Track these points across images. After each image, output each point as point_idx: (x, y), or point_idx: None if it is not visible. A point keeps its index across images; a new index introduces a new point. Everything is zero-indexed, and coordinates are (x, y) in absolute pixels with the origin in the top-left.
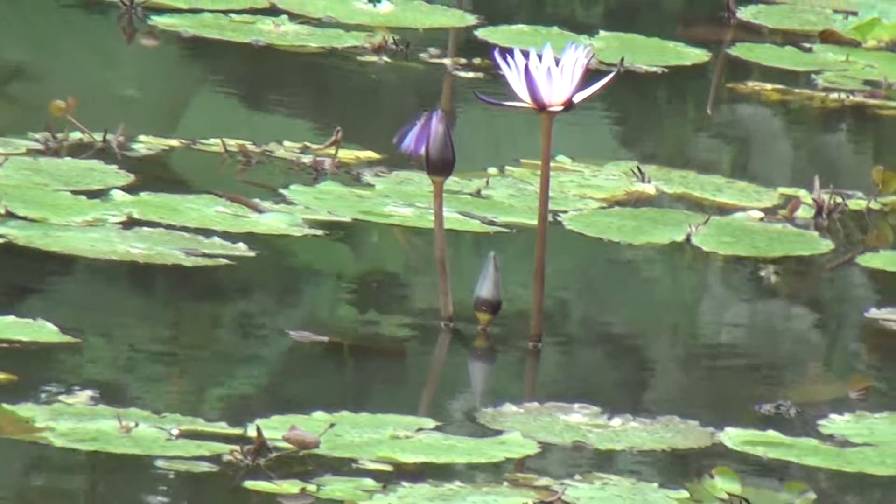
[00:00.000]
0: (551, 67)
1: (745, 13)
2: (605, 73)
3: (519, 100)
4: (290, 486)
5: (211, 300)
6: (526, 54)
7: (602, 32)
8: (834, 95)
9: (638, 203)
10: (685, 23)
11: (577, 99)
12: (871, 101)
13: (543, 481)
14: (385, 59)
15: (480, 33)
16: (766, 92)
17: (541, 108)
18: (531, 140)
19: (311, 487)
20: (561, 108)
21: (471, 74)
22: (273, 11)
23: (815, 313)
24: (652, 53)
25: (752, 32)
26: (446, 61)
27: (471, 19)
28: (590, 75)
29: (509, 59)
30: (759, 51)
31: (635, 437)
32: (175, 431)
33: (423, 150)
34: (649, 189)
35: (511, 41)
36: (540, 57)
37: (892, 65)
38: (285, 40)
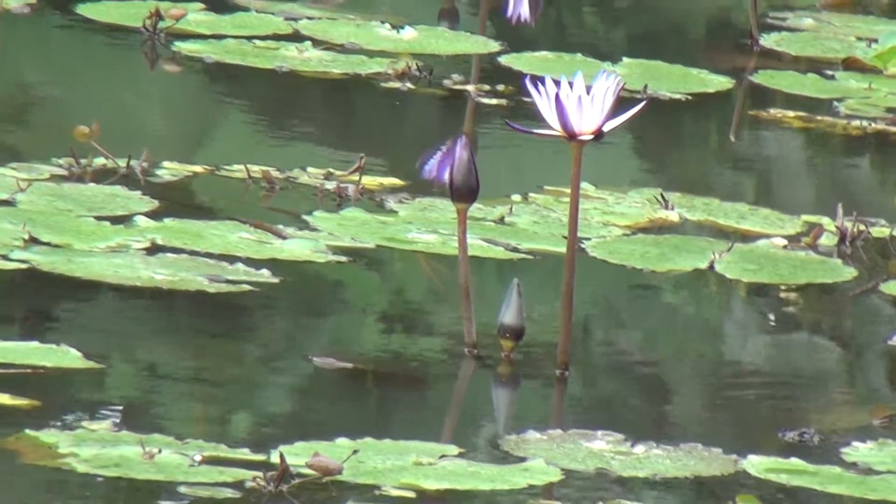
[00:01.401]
0: (582, 96)
1: (767, 40)
2: (630, 101)
3: (549, 127)
4: None
5: (234, 326)
6: (557, 82)
7: (625, 59)
8: (856, 123)
9: (661, 230)
10: (708, 50)
11: (607, 128)
12: (894, 129)
13: None
14: (408, 85)
15: (504, 60)
16: (788, 119)
17: (571, 136)
18: (554, 167)
19: None
20: (591, 136)
21: (494, 101)
22: (297, 38)
23: (838, 341)
24: (675, 80)
25: (775, 60)
26: (470, 88)
27: (494, 46)
28: (616, 103)
29: (540, 86)
30: (781, 78)
31: (658, 464)
32: (198, 458)
33: (446, 177)
34: (673, 216)
35: (535, 68)
36: (571, 85)
37: None
38: (309, 66)
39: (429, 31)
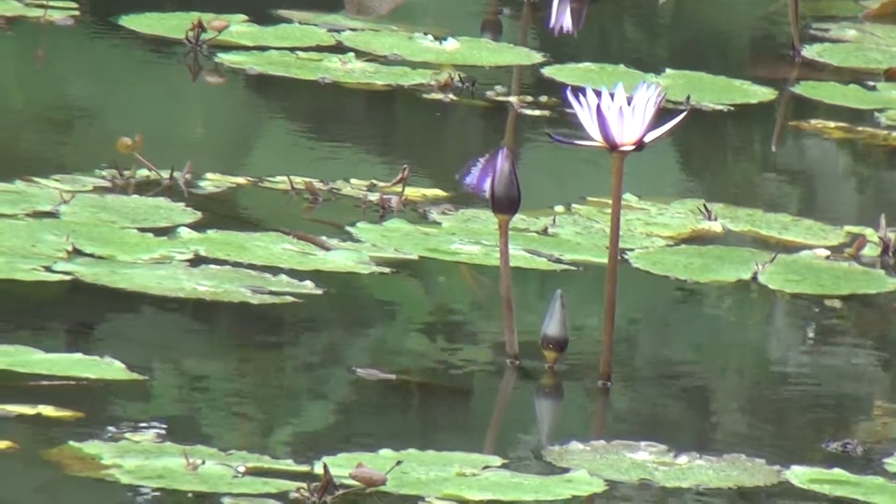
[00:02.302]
0: (623, 107)
1: (810, 51)
2: (672, 112)
3: (590, 139)
4: None
5: (277, 338)
6: (598, 93)
7: (668, 70)
8: None
9: (704, 241)
10: (751, 61)
11: (648, 139)
12: None
13: None
14: (451, 96)
15: (546, 71)
16: (829, 130)
17: (612, 147)
18: (597, 177)
19: None
20: (632, 147)
21: (537, 112)
22: (339, 49)
23: (882, 351)
24: (718, 91)
25: (817, 70)
26: (512, 99)
27: (537, 57)
28: (658, 114)
29: (581, 97)
30: (822, 89)
31: (702, 474)
32: (242, 469)
33: (486, 187)
34: (716, 227)
35: (577, 79)
36: (612, 96)
37: None
38: (351, 77)
39: (471, 43)
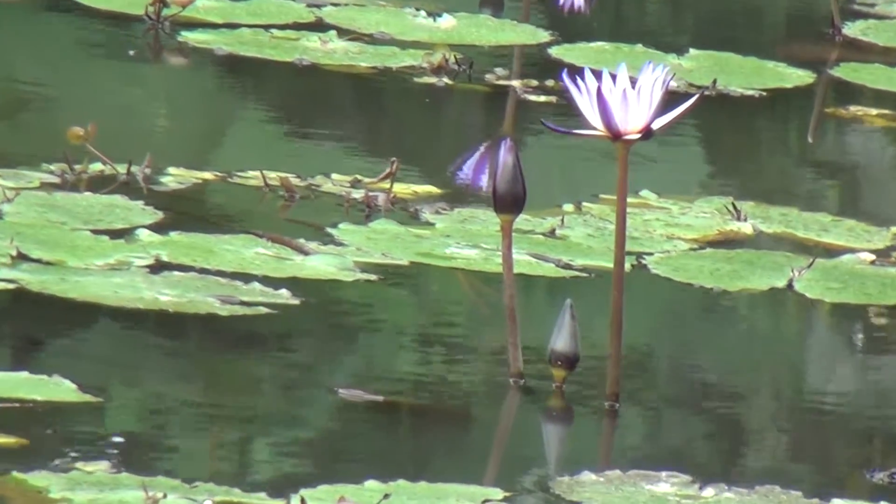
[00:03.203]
0: (627, 90)
1: (852, 29)
2: (692, 97)
3: (591, 127)
4: None
5: (250, 354)
6: (598, 75)
7: (692, 51)
8: None
9: (733, 244)
10: (786, 40)
11: (656, 126)
12: None
13: None
14: (445, 80)
15: (554, 52)
16: (869, 117)
17: (615, 136)
18: (611, 172)
19: None
20: (638, 135)
21: (542, 98)
22: (320, 27)
23: None
24: (749, 75)
25: (861, 51)
26: (515, 83)
27: (544, 36)
28: (676, 99)
29: (579, 81)
30: (865, 72)
31: None
32: (209, 503)
33: (482, 182)
34: (746, 228)
35: (588, 60)
36: (614, 78)
37: None
38: (333, 59)
39: (469, 20)
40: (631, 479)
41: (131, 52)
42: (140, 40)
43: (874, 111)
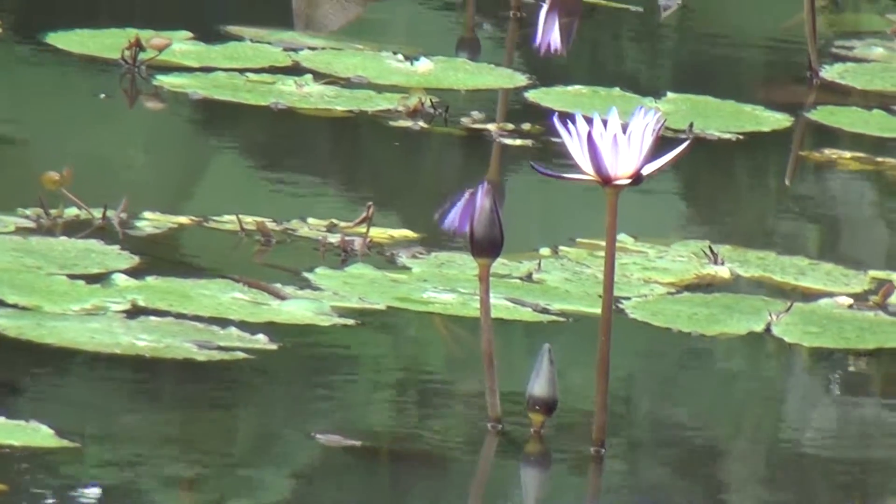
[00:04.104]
0: (617, 135)
1: (830, 72)
2: (673, 142)
3: (580, 171)
4: None
5: (227, 399)
6: (589, 120)
7: (669, 94)
8: None
9: (710, 288)
10: (764, 84)
11: (646, 171)
12: None
13: None
14: (421, 123)
15: (531, 95)
16: (844, 160)
17: (605, 181)
18: (588, 216)
19: None
20: (628, 181)
21: (518, 142)
22: (296, 70)
23: None
24: (726, 118)
25: (839, 94)
26: (491, 127)
27: (521, 79)
28: (656, 144)
29: (570, 125)
30: (843, 115)
31: None
32: None
33: (467, 228)
34: (723, 272)
35: (566, 104)
36: (605, 123)
37: None
38: (308, 102)
39: (446, 63)
40: None
41: (101, 96)
42: (115, 84)
43: (848, 154)
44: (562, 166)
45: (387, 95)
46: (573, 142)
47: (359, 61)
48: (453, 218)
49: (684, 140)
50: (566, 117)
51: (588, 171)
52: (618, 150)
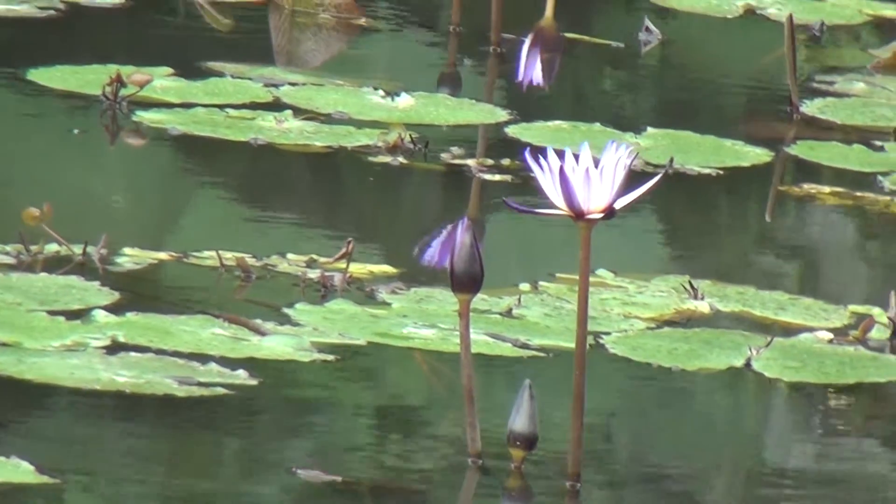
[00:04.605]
0: (590, 169)
1: (810, 107)
2: (652, 176)
3: (553, 206)
4: None
5: (208, 435)
6: (561, 154)
7: (650, 129)
8: None
9: (690, 323)
10: (745, 119)
11: (618, 205)
12: None
13: None
14: (401, 159)
15: (511, 130)
16: (822, 195)
17: (578, 215)
18: (568, 251)
19: None
20: (601, 215)
21: (498, 177)
22: (277, 106)
23: (895, 448)
24: (706, 153)
25: (819, 129)
26: (470, 162)
27: (502, 115)
28: (634, 178)
29: (542, 160)
30: (822, 150)
31: None
32: None
33: (447, 263)
34: (703, 307)
35: (546, 139)
36: (576, 157)
37: None
38: (288, 138)
39: (427, 99)
40: None
41: (75, 132)
42: (96, 120)
43: (827, 189)
44: (540, 202)
45: (366, 131)
46: (545, 176)
47: (340, 97)
48: (432, 253)
49: (664, 176)
50: (538, 152)
51: (561, 205)
52: (590, 184)
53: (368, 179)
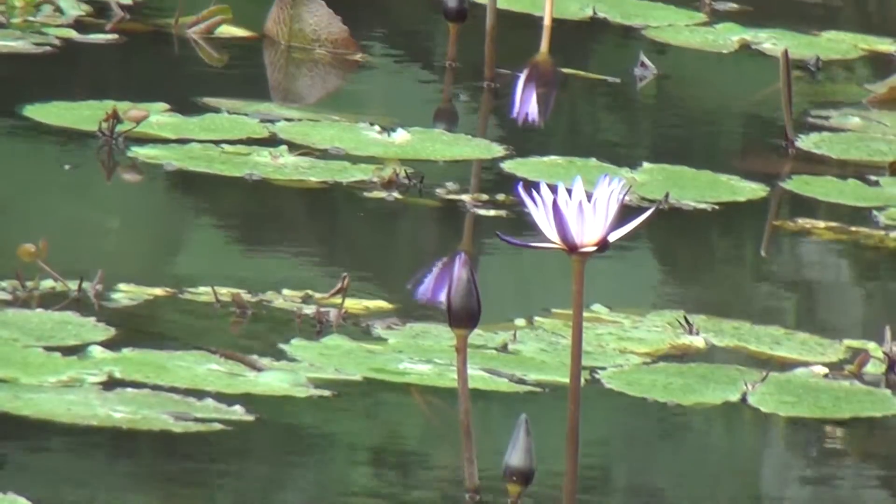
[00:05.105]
0: (583, 203)
1: (806, 142)
2: (645, 210)
3: (547, 240)
4: None
5: (204, 471)
6: (554, 189)
7: (646, 164)
8: (894, 234)
9: (685, 358)
10: (740, 154)
11: (612, 238)
12: None
13: None
14: (395, 194)
15: (506, 166)
16: (817, 230)
17: (571, 249)
18: (563, 286)
19: None
20: (594, 248)
21: (493, 212)
22: (273, 142)
23: (890, 483)
24: (702, 188)
25: (814, 163)
26: (465, 198)
27: (498, 150)
28: (630, 213)
29: (535, 194)
30: (817, 185)
31: None
32: None
33: (441, 298)
34: (698, 342)
35: (541, 174)
36: (569, 191)
37: None
38: (283, 174)
39: (424, 134)
40: None
41: (66, 167)
42: (92, 156)
43: (822, 224)
44: (534, 236)
45: (361, 166)
46: (538, 211)
47: (336, 132)
48: (426, 288)
49: (658, 211)
50: (531, 186)
51: (554, 239)
52: (583, 217)
53: (359, 214)
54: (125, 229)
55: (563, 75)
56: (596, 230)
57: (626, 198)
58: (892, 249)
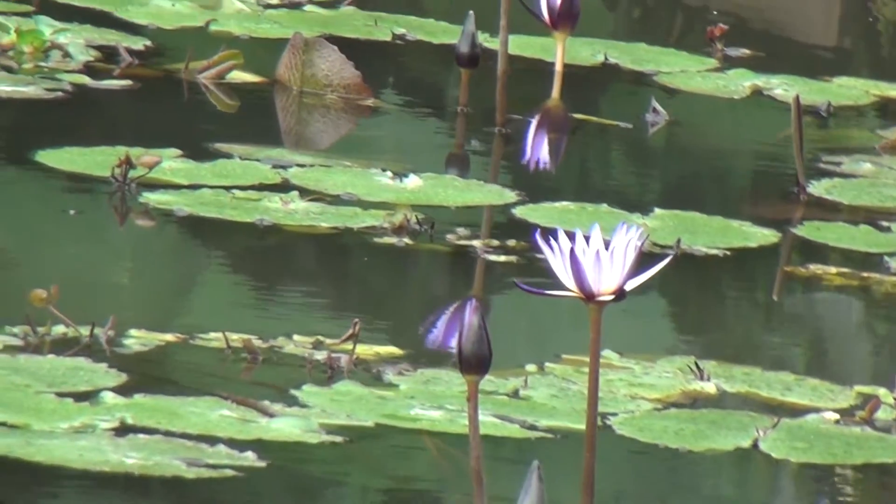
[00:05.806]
0: (600, 251)
1: (818, 188)
2: (659, 257)
3: (564, 288)
4: None
5: None
6: (571, 236)
7: (657, 210)
8: None
9: (696, 404)
10: (752, 200)
11: (629, 287)
12: None
13: None
14: (406, 240)
15: (518, 211)
16: (829, 276)
17: (589, 297)
18: (573, 332)
19: None
20: (611, 297)
21: (503, 258)
22: (285, 187)
23: None
24: (713, 234)
25: (826, 209)
26: (476, 243)
27: (510, 196)
28: (642, 259)
29: (552, 241)
30: (828, 230)
31: None
32: None
33: (452, 344)
34: (709, 388)
35: (553, 220)
36: (587, 239)
37: None
38: (294, 219)
39: (436, 180)
40: None
41: (71, 212)
42: (102, 201)
43: (833, 269)
44: (546, 283)
45: (372, 212)
46: (556, 258)
47: (348, 178)
48: (437, 334)
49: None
50: (549, 233)
51: (571, 287)
52: (600, 266)
53: (363, 259)
54: (137, 275)
55: (574, 121)
56: (614, 279)
57: (643, 246)
58: None
